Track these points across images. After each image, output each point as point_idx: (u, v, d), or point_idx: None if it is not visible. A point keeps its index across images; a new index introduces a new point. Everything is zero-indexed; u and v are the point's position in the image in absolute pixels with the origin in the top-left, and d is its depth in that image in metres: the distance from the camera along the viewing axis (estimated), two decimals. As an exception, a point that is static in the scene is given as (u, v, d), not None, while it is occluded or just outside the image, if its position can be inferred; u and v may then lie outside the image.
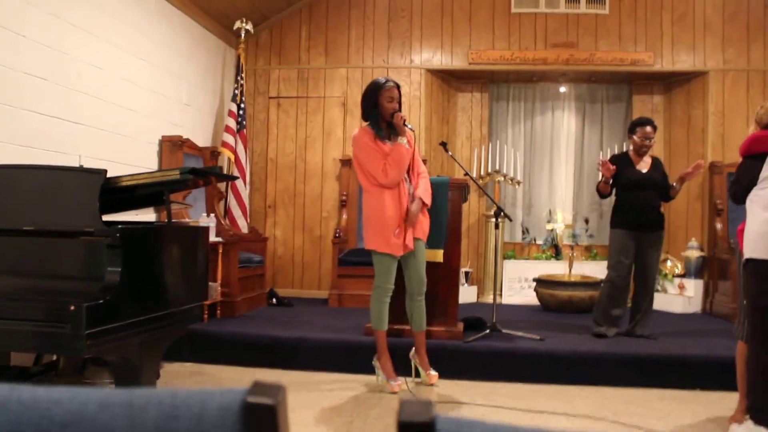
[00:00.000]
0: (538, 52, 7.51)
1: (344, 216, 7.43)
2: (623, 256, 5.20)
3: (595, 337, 5.17)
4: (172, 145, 6.10)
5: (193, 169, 3.27)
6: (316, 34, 7.81)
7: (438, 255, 4.81)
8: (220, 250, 5.71)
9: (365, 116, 4.33)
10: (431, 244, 4.66)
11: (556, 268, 7.31)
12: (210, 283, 4.72)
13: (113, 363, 3.09)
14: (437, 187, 4.73)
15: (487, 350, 4.78)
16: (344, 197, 7.48)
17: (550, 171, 8.19)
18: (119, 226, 2.96)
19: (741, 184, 3.41)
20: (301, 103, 7.84)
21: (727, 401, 3.94)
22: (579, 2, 7.48)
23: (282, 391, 0.62)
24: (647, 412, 4.00)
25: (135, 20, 5.70)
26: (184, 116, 6.67)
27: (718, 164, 7.08)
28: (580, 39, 7.49)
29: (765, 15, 7.26)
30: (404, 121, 4.16)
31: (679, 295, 6.98)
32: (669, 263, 7.26)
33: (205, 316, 5.38)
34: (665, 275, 7.14)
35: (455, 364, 4.66)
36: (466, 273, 7.49)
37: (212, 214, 6.17)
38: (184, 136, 6.26)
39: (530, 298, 7.24)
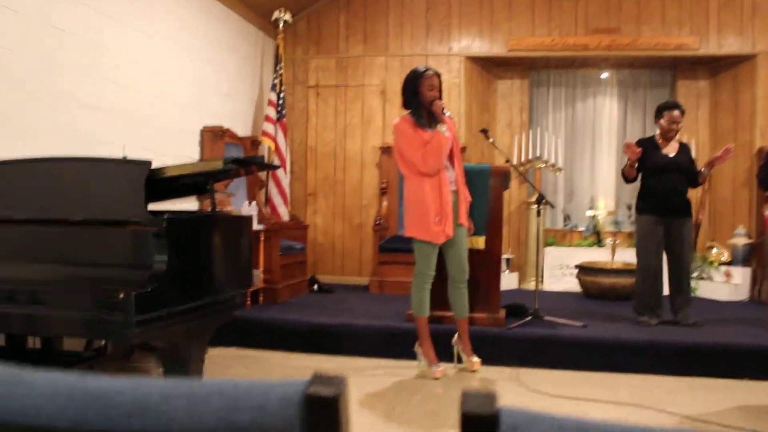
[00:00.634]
0: (578, 38, 7.40)
1: (384, 203, 7.44)
2: (651, 241, 5.11)
3: (638, 326, 5.10)
4: (213, 135, 6.16)
5: (236, 159, 3.30)
6: (354, 22, 7.80)
7: (480, 242, 4.80)
8: (262, 238, 5.77)
9: (406, 104, 4.32)
10: (473, 231, 4.65)
11: (597, 255, 7.22)
12: (253, 270, 4.76)
13: (160, 349, 3.14)
14: (478, 174, 4.71)
15: (530, 337, 4.75)
16: (384, 185, 7.49)
17: (592, 158, 8.08)
18: (166, 216, 3.00)
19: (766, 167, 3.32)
20: (340, 92, 7.84)
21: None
22: (621, -15, 7.34)
23: (343, 382, 0.62)
24: (692, 401, 3.93)
25: (175, 12, 5.75)
26: (225, 106, 6.73)
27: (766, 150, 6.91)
28: (622, 24, 7.35)
29: (816, -5, 7.05)
30: (443, 108, 4.15)
31: (725, 283, 6.85)
32: (715, 251, 7.12)
33: (248, 302, 5.44)
34: (711, 263, 7.01)
35: (497, 351, 4.65)
36: (508, 260, 7.45)
37: (254, 203, 6.23)
38: (225, 126, 6.32)
39: (572, 285, 7.17)
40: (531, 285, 7.04)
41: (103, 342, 3.94)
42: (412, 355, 4.45)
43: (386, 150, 7.48)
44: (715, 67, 7.56)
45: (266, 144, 7.02)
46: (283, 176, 7.17)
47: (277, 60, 7.27)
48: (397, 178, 7.30)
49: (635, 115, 8.02)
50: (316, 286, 6.91)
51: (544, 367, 4.61)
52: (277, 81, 7.17)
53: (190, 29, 6.02)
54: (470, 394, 0.60)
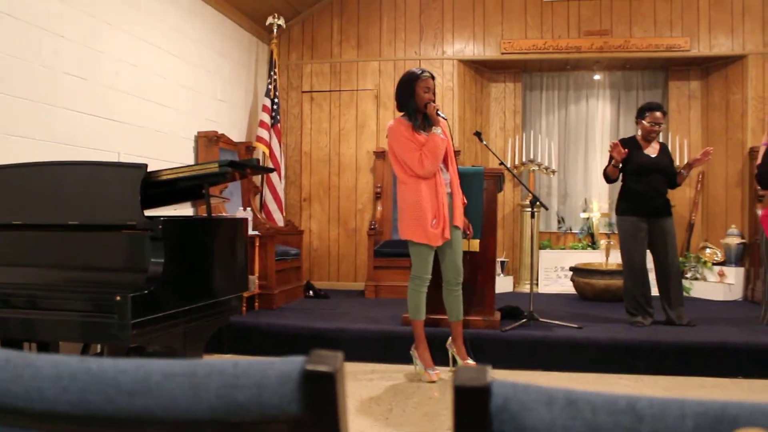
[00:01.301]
0: (571, 40, 7.44)
1: (379, 208, 7.46)
2: (634, 241, 5.13)
3: (632, 326, 5.11)
4: (207, 141, 6.17)
5: (231, 162, 3.31)
6: (348, 27, 7.83)
7: (474, 245, 4.81)
8: (257, 244, 5.78)
9: (401, 107, 4.33)
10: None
11: (592, 257, 7.26)
12: (248, 276, 4.77)
13: (157, 353, 3.15)
14: (472, 177, 4.73)
15: (525, 339, 4.77)
16: (379, 189, 7.51)
17: (585, 160, 8.12)
18: (161, 219, 3.01)
19: (766, 165, 3.34)
20: (334, 97, 7.87)
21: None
22: (612, -12, 7.39)
23: (340, 359, 0.64)
24: (689, 399, 3.94)
25: (169, 18, 5.77)
26: (219, 112, 6.75)
27: (758, 150, 6.94)
28: (614, 26, 7.40)
29: (805, -4, 7.11)
30: (437, 110, 4.16)
31: (719, 283, 6.89)
32: (708, 251, 7.16)
33: (244, 308, 5.44)
34: (704, 263, 7.05)
35: (493, 353, 4.66)
36: (502, 263, 7.47)
37: (248, 208, 6.24)
38: (220, 132, 6.34)
39: (566, 287, 7.20)
40: (526, 288, 7.06)
41: (99, 347, 3.95)
42: (407, 359, 4.46)
43: (381, 154, 7.51)
44: (706, 68, 7.61)
45: (261, 149, 7.04)
46: (278, 181, 7.18)
47: (271, 65, 7.29)
48: (392, 181, 7.33)
49: (628, 117, 8.05)
50: (311, 292, 6.92)
51: (540, 369, 4.62)
52: (271, 86, 7.19)
53: (185, 35, 6.03)
54: (463, 368, 0.62)
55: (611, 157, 5.15)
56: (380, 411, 3.73)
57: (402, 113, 4.32)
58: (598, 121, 8.09)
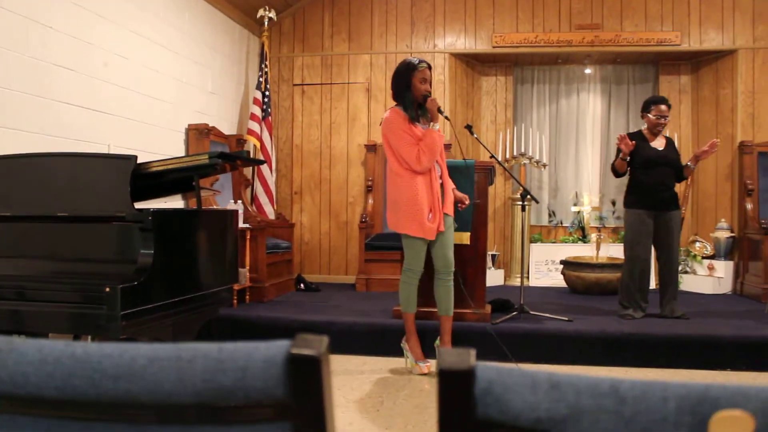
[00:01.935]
0: (562, 34, 7.45)
1: (370, 201, 7.45)
2: (641, 234, 5.14)
3: (622, 319, 5.14)
4: (198, 133, 6.15)
5: (221, 153, 3.30)
6: (339, 20, 7.81)
7: (464, 238, 4.81)
8: (248, 237, 5.77)
9: (396, 97, 4.24)
10: (458, 226, 4.66)
11: (583, 251, 7.28)
12: (239, 269, 4.77)
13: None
14: (463, 170, 4.73)
15: (515, 332, 4.78)
16: (370, 182, 7.50)
17: (576, 153, 8.13)
18: (151, 210, 3.00)
19: None
20: (326, 90, 7.85)
21: (760, 382, 3.92)
22: (604, -18, 7.40)
23: (325, 342, 0.64)
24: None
25: (159, 10, 5.74)
26: (210, 104, 6.72)
27: (748, 144, 6.99)
28: (605, 20, 7.41)
29: (795, -9, 7.14)
30: (439, 108, 4.10)
31: (708, 276, 6.93)
32: (698, 244, 7.20)
33: (235, 301, 5.44)
34: (694, 256, 7.08)
35: (483, 346, 4.67)
36: (493, 256, 7.48)
37: (239, 201, 6.23)
38: (210, 125, 6.32)
39: (557, 280, 7.22)
40: (517, 281, 7.08)
41: (89, 339, 3.94)
42: (398, 352, 4.45)
43: (372, 147, 7.50)
44: (696, 62, 7.64)
45: (252, 142, 7.02)
46: (269, 174, 7.17)
47: (263, 58, 7.27)
48: (383, 174, 7.33)
49: (619, 111, 8.08)
50: (302, 285, 6.91)
51: (530, 362, 4.63)
52: (262, 79, 7.17)
53: (175, 27, 6.01)
54: (447, 351, 0.62)
55: (619, 150, 5.15)
56: (371, 403, 3.74)
57: (396, 103, 4.25)
58: (589, 115, 8.11)
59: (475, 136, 4.94)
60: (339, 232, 7.82)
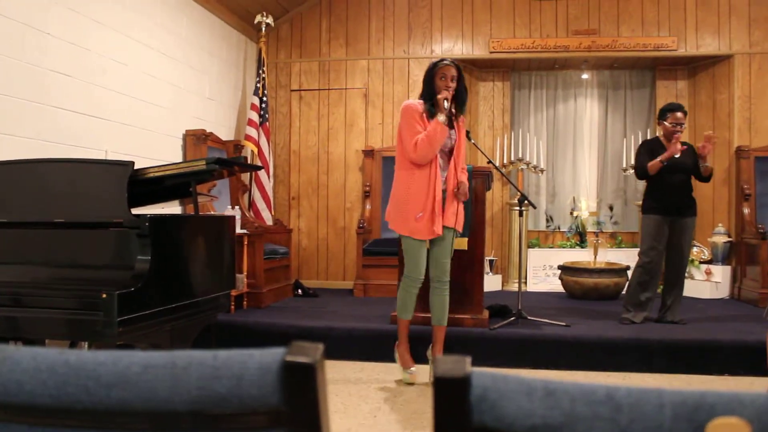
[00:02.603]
0: (559, 39, 7.46)
1: (368, 206, 7.45)
2: (657, 241, 5.14)
3: (621, 323, 5.14)
4: (196, 139, 6.15)
5: (219, 159, 3.30)
6: (337, 26, 7.82)
7: (462, 243, 4.80)
8: (246, 242, 5.77)
9: (422, 95, 4.15)
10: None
11: (580, 256, 7.28)
12: (237, 275, 4.76)
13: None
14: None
15: (513, 337, 4.78)
16: (367, 188, 7.50)
17: (574, 158, 8.14)
18: (148, 216, 3.00)
19: None
20: (323, 96, 7.86)
21: (757, 386, 3.92)
22: (600, -12, 7.42)
23: (320, 350, 0.64)
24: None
25: (156, 16, 5.75)
26: (207, 110, 6.72)
27: (744, 149, 7.00)
28: (601, 25, 7.43)
29: (791, -4, 7.16)
30: (446, 98, 3.97)
31: (706, 281, 6.93)
32: (695, 249, 7.20)
33: (232, 307, 5.44)
34: (692, 261, 7.08)
35: (481, 352, 4.67)
36: (491, 261, 7.48)
37: (237, 207, 6.22)
38: (208, 130, 6.32)
39: (555, 285, 7.22)
40: (514, 286, 7.08)
41: (86, 345, 3.93)
42: (394, 356, 4.42)
43: (369, 153, 7.51)
44: (693, 67, 7.65)
45: (249, 148, 7.02)
46: (267, 180, 7.17)
47: (260, 64, 7.27)
48: (381, 180, 7.34)
49: (616, 116, 8.09)
50: (300, 291, 6.90)
51: (528, 367, 4.64)
52: (259, 85, 7.18)
53: (173, 33, 6.01)
54: (442, 359, 0.62)
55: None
56: (368, 409, 3.73)
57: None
58: (586, 120, 8.12)
59: (473, 141, 4.94)
60: (337, 238, 7.81)
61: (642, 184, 7.09)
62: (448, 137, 4.10)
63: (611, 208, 7.88)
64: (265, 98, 7.20)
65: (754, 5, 7.18)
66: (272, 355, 0.65)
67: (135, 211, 3.15)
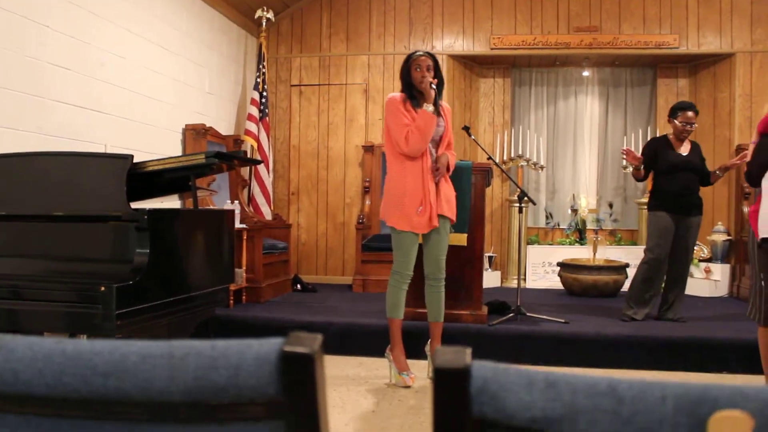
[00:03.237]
0: (560, 36, 7.45)
1: (367, 202, 7.45)
2: (663, 238, 5.12)
3: (622, 321, 5.14)
4: (195, 134, 6.14)
5: (218, 153, 3.29)
6: (337, 21, 7.81)
7: (462, 239, 4.78)
8: (245, 237, 5.76)
9: (402, 88, 4.11)
10: (455, 228, 4.64)
11: (580, 253, 7.28)
12: (236, 270, 4.76)
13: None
14: (460, 171, 4.70)
15: (512, 333, 4.78)
16: (367, 183, 7.50)
17: (574, 156, 8.14)
18: (147, 209, 2.99)
19: (757, 162, 3.32)
20: (323, 91, 7.85)
21: (755, 384, 3.91)
22: (602, -15, 7.41)
23: (318, 340, 0.63)
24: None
25: (156, 9, 5.73)
26: (207, 105, 6.71)
27: (745, 147, 6.95)
28: (603, 22, 7.41)
29: (793, -6, 7.14)
30: (431, 83, 3.93)
31: (705, 279, 6.93)
32: (695, 247, 7.20)
33: (231, 301, 5.43)
34: (691, 259, 7.08)
35: (480, 348, 4.66)
36: (490, 258, 7.48)
37: (236, 201, 6.22)
38: (208, 125, 6.31)
39: (554, 282, 7.21)
40: (513, 283, 7.08)
41: (84, 338, 3.93)
42: (388, 362, 4.25)
43: (369, 148, 7.50)
44: (694, 65, 7.64)
45: (249, 143, 7.01)
46: (266, 175, 7.16)
47: (260, 59, 7.26)
48: (380, 175, 7.33)
49: (616, 113, 8.08)
50: (299, 286, 6.90)
51: (527, 363, 4.62)
52: (259, 80, 7.16)
53: (173, 27, 6.00)
54: (442, 350, 0.61)
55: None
56: (367, 404, 3.73)
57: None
58: (587, 118, 8.11)
59: (473, 137, 4.94)
60: (336, 233, 7.81)
61: (642, 183, 7.08)
62: (437, 125, 4.04)
63: (611, 206, 7.88)
64: (265, 93, 7.19)
65: (756, 4, 7.16)
66: (270, 345, 0.64)
67: (134, 205, 3.14)
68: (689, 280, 6.87)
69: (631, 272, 6.88)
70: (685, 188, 5.15)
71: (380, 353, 4.65)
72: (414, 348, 4.39)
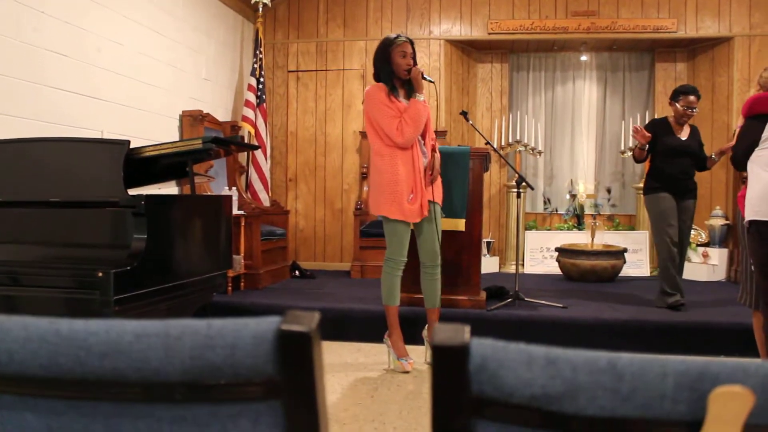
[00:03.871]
0: (558, 20, 7.41)
1: (365, 188, 7.43)
2: (671, 217, 5.06)
3: (672, 310, 4.98)
4: (192, 120, 6.11)
5: (215, 138, 3.28)
6: (334, 6, 7.76)
7: (460, 224, 4.78)
8: (243, 223, 5.75)
9: (377, 76, 4.07)
10: (453, 213, 4.63)
11: (578, 238, 7.28)
12: (234, 256, 4.76)
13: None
14: (458, 156, 4.70)
15: (511, 318, 4.78)
16: (365, 169, 7.48)
17: (572, 141, 8.12)
18: (144, 195, 2.98)
19: (742, 145, 3.31)
20: (320, 77, 7.81)
21: (755, 360, 3.91)
22: (600, -32, 7.37)
23: (316, 318, 0.63)
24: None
25: (153, -6, 5.70)
26: (204, 91, 6.68)
27: (743, 131, 6.97)
28: (601, 7, 7.38)
29: (792, -22, 7.11)
30: (422, 74, 3.93)
31: (703, 264, 6.93)
32: (693, 232, 7.20)
33: (229, 288, 5.43)
34: (689, 243, 7.09)
35: (478, 332, 4.61)
36: (488, 243, 7.48)
37: (234, 188, 6.21)
38: (205, 111, 6.28)
39: (552, 268, 7.22)
40: (512, 268, 7.08)
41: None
42: (386, 348, 4.27)
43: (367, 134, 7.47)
44: (692, 50, 7.62)
45: (246, 129, 6.98)
46: (264, 161, 7.14)
47: (257, 44, 7.22)
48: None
49: (614, 98, 8.06)
50: (297, 272, 6.90)
51: (525, 347, 4.63)
52: (256, 66, 7.13)
53: (169, 13, 5.96)
54: (441, 327, 0.60)
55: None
56: (365, 390, 3.73)
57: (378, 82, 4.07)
58: (585, 102, 8.09)
59: (471, 122, 4.93)
60: (334, 219, 7.80)
61: (640, 168, 7.07)
62: None
63: (609, 191, 7.87)
64: (262, 79, 7.15)
65: (754, -13, 7.13)
66: (267, 324, 0.63)
67: (131, 191, 3.13)
68: (687, 265, 6.89)
69: (629, 257, 6.91)
70: (682, 173, 5.13)
71: (378, 339, 4.66)
72: (412, 333, 4.39)
